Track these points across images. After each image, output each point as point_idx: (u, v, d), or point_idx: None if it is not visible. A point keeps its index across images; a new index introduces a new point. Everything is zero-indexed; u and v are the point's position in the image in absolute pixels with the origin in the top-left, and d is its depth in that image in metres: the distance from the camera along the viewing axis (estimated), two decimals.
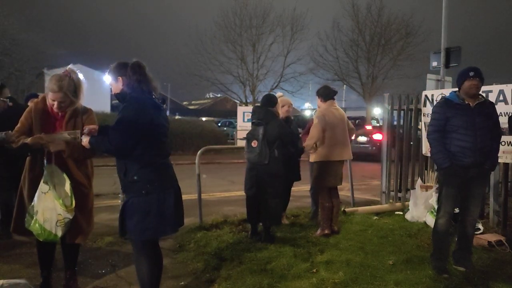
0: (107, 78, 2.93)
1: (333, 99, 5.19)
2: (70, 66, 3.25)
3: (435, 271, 3.77)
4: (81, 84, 3.25)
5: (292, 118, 5.89)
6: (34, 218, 3.03)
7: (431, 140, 3.80)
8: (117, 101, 3.01)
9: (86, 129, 2.93)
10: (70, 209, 3.06)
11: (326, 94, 5.16)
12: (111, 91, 3.01)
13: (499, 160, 5.22)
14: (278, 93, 5.63)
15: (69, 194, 3.10)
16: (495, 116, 3.86)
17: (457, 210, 4.15)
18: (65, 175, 3.12)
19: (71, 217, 3.08)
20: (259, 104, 5.07)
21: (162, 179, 2.82)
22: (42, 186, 3.05)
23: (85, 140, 2.87)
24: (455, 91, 3.88)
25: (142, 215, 2.74)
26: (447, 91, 6.08)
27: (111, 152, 2.78)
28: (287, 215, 5.87)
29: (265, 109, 4.73)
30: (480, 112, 3.72)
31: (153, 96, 2.85)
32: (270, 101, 4.85)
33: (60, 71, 3.27)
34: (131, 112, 2.70)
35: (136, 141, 2.70)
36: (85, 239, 3.50)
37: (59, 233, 3.07)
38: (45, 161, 3.11)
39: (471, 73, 3.68)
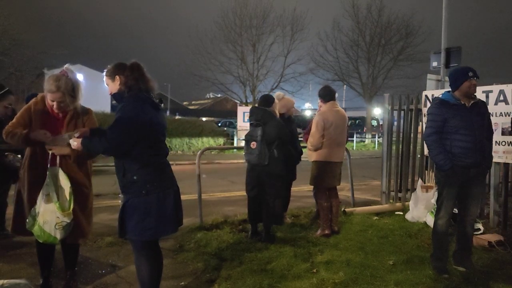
0: (105, 78, 2.92)
1: (334, 99, 5.18)
2: (67, 65, 3.22)
3: (435, 271, 3.77)
4: (79, 83, 3.23)
5: (293, 117, 5.89)
6: (35, 219, 3.03)
7: (430, 142, 3.76)
8: None
9: (78, 133, 2.93)
10: (67, 213, 3.05)
11: (326, 94, 5.16)
12: None
13: (500, 160, 5.25)
14: (277, 93, 5.65)
15: (68, 198, 3.08)
16: (487, 115, 3.88)
17: (455, 211, 4.15)
18: (67, 178, 3.11)
19: (68, 221, 3.07)
20: (256, 105, 5.07)
21: (161, 179, 2.82)
22: (44, 188, 3.05)
23: (75, 143, 2.83)
24: (448, 92, 3.86)
25: (142, 215, 2.74)
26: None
27: (108, 152, 2.77)
28: (288, 215, 5.86)
29: (263, 110, 4.72)
30: (476, 112, 3.73)
31: (151, 96, 2.85)
32: (267, 101, 4.85)
33: (60, 71, 3.26)
34: (130, 111, 2.69)
35: (135, 140, 2.69)
36: (86, 239, 3.50)
37: (58, 236, 3.06)
38: (48, 164, 3.10)
39: (470, 74, 3.68)
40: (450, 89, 3.86)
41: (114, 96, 2.88)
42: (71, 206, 3.08)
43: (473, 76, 3.67)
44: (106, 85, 2.94)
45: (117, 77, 2.84)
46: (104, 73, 2.92)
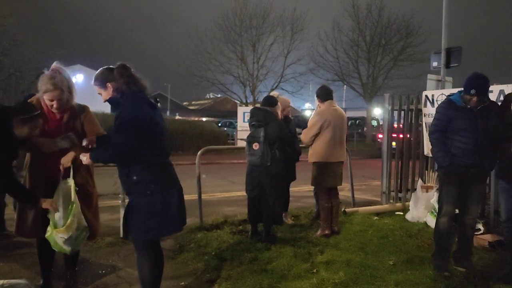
0: (95, 88, 2.88)
1: (332, 98, 5.18)
2: (55, 63, 3.16)
3: (436, 270, 3.80)
4: (71, 80, 3.22)
5: (291, 117, 5.90)
6: (52, 230, 3.00)
7: (433, 140, 3.86)
8: None
9: (84, 142, 2.91)
10: (60, 229, 2.97)
11: (323, 94, 5.15)
12: None
13: None
14: (272, 92, 5.64)
15: (65, 213, 3.02)
16: (495, 118, 3.82)
17: (457, 211, 4.15)
18: (74, 195, 3.04)
19: (66, 237, 2.98)
20: (258, 105, 5.07)
21: (165, 179, 2.83)
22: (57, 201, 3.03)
23: (85, 158, 2.85)
24: (460, 92, 3.85)
25: (147, 215, 2.75)
26: (447, 92, 6.08)
27: (119, 158, 2.75)
28: (288, 215, 5.85)
29: (264, 110, 4.72)
30: (482, 115, 3.73)
31: (146, 95, 2.85)
32: (271, 101, 4.85)
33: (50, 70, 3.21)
34: (130, 113, 2.69)
35: (140, 141, 2.69)
36: (96, 235, 3.48)
37: (67, 249, 3.03)
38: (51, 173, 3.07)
39: (473, 91, 3.64)
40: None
41: (109, 102, 2.86)
42: (69, 220, 2.97)
43: (476, 94, 3.64)
44: (98, 94, 2.90)
45: (109, 84, 2.81)
46: (93, 82, 2.87)
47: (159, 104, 2.93)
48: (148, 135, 2.73)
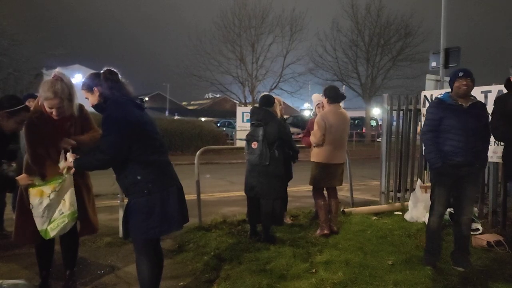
0: (83, 92, 2.91)
1: (339, 102, 5.15)
2: (58, 69, 3.16)
3: (425, 264, 3.90)
4: (73, 85, 3.22)
5: (285, 117, 5.89)
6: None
7: (425, 140, 3.89)
8: None
9: (65, 149, 2.95)
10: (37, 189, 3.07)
11: (333, 96, 5.07)
12: None
13: (499, 161, 5.25)
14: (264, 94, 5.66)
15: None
16: (485, 117, 3.94)
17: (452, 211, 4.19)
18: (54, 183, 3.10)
19: (32, 203, 3.06)
20: (257, 105, 5.07)
21: (163, 178, 2.83)
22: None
23: (67, 163, 2.90)
24: (448, 92, 3.95)
25: (146, 215, 2.74)
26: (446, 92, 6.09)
27: (109, 162, 2.75)
28: (287, 215, 5.85)
29: (264, 110, 4.73)
30: (473, 113, 3.79)
31: (132, 98, 2.85)
32: (268, 101, 4.86)
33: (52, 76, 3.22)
34: (116, 114, 2.70)
35: (130, 140, 2.69)
36: (97, 230, 3.49)
37: (42, 228, 3.08)
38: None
39: (460, 74, 3.77)
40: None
41: (95, 107, 2.87)
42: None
43: (463, 76, 3.75)
44: (85, 98, 2.93)
45: (95, 88, 2.83)
46: (81, 87, 2.91)
47: (145, 104, 2.94)
48: (139, 135, 2.73)
